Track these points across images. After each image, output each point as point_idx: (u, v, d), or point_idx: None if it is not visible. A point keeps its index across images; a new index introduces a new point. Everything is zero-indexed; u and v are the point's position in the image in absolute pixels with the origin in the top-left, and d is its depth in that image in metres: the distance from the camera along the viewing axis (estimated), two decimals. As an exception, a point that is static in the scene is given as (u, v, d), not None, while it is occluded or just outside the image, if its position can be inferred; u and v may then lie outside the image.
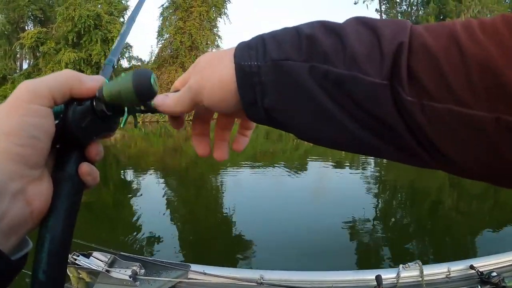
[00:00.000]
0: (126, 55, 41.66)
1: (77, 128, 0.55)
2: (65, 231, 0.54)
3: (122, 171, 15.54)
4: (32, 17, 39.36)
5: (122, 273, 3.85)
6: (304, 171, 15.52)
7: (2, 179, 0.46)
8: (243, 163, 16.95)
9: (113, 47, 0.78)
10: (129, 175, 14.87)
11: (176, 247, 7.49)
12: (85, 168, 0.56)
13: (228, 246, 7.55)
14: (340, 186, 12.56)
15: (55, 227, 0.53)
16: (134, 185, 13.06)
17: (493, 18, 0.41)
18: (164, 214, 9.80)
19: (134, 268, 3.91)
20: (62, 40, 34.23)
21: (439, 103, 0.40)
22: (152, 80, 0.54)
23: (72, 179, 0.56)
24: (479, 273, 3.94)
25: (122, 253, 4.13)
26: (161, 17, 42.20)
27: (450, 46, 0.41)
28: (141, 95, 0.54)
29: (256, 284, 3.92)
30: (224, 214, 9.65)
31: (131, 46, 41.08)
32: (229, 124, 0.66)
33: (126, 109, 0.59)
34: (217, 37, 42.09)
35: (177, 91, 0.60)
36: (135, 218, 9.19)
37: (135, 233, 8.00)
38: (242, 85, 0.51)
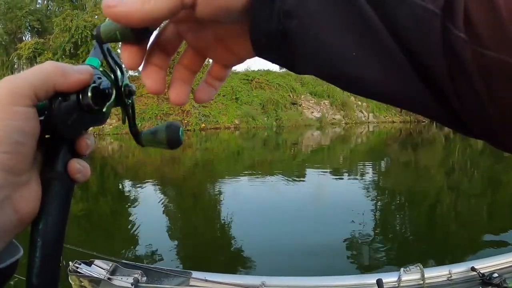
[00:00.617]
0: (123, 65, 41.63)
1: (63, 125, 0.52)
2: (57, 233, 0.52)
3: (120, 182, 15.51)
4: (29, 27, 39.33)
5: (124, 281, 3.85)
6: (303, 179, 15.50)
7: None
8: (241, 172, 16.96)
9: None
10: (127, 185, 14.83)
11: (175, 255, 7.48)
12: (74, 165, 0.53)
13: (228, 254, 7.55)
14: (339, 192, 12.58)
15: (46, 230, 0.51)
16: (133, 195, 13.02)
17: None
18: (163, 223, 9.78)
19: (136, 275, 3.91)
20: (59, 50, 34.15)
21: (492, 51, 0.34)
22: (181, 132, 0.57)
23: (61, 178, 0.53)
24: (481, 275, 3.95)
25: (123, 261, 4.13)
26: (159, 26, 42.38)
27: None
28: (171, 144, 0.57)
29: (257, 290, 3.92)
30: (223, 223, 9.64)
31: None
32: (197, 64, 0.53)
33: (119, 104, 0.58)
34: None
35: None
36: (134, 228, 9.16)
37: (134, 243, 8.00)
38: None
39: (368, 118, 44.84)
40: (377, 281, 3.64)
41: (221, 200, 12.28)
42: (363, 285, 4.00)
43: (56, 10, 38.82)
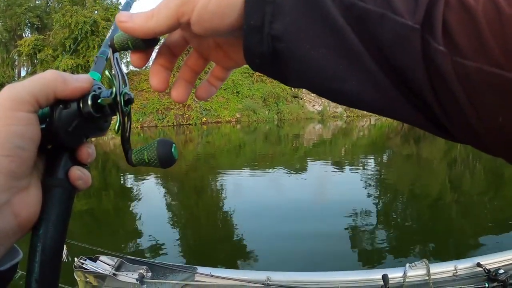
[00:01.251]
0: (124, 60, 41.58)
1: (64, 132, 0.53)
2: (57, 239, 0.53)
3: (122, 177, 15.50)
4: (29, 24, 39.32)
5: (129, 277, 3.85)
6: (305, 172, 15.51)
7: None
8: (243, 165, 16.96)
9: (106, 37, 0.71)
10: (130, 180, 14.83)
11: (179, 251, 7.48)
12: (75, 172, 0.55)
13: (231, 249, 7.54)
14: (342, 186, 12.55)
15: (46, 236, 0.52)
16: (135, 190, 13.03)
17: None
18: (165, 218, 9.78)
19: (141, 271, 3.91)
20: (59, 47, 34.16)
21: (471, 61, 0.36)
22: (173, 149, 0.56)
23: (62, 185, 0.54)
24: (486, 271, 3.93)
25: (128, 256, 4.13)
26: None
27: (487, 6, 0.37)
28: (164, 162, 0.55)
29: (263, 285, 3.92)
30: (226, 217, 9.65)
31: (128, 52, 41.01)
32: (201, 66, 0.57)
33: (117, 111, 0.58)
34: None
35: None
36: (137, 223, 9.18)
37: (137, 238, 8.00)
38: (250, 0, 0.42)
39: (370, 111, 44.79)
40: (382, 276, 3.64)
41: (224, 194, 12.28)
42: (368, 281, 4.00)
43: (56, 6, 38.82)
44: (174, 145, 0.56)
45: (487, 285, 3.75)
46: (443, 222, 8.94)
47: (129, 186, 14.06)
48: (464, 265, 4.11)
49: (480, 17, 0.37)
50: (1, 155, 0.45)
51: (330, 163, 17.47)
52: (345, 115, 42.65)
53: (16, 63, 38.61)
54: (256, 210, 9.87)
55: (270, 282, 3.92)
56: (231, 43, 0.51)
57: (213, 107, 37.97)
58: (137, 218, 9.53)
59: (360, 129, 35.31)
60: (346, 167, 16.73)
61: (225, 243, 7.90)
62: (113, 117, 0.60)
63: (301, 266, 6.22)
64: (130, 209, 10.44)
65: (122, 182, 14.63)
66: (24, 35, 38.93)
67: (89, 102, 0.54)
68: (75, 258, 3.99)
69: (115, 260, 3.97)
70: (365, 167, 16.58)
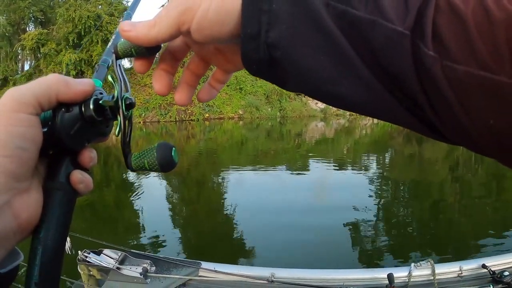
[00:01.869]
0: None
1: (66, 135, 0.54)
2: (58, 243, 0.53)
3: (123, 172, 15.48)
4: (33, 18, 39.35)
5: (133, 271, 3.84)
6: (307, 170, 15.51)
7: None
8: (245, 162, 16.95)
9: (107, 46, 0.72)
10: (131, 175, 14.82)
11: (181, 246, 7.49)
12: (76, 176, 0.55)
13: (233, 245, 7.55)
14: (344, 185, 12.54)
15: (47, 239, 0.52)
16: (138, 185, 13.02)
17: None
18: (168, 213, 9.80)
19: (145, 265, 3.90)
20: (63, 41, 34.17)
21: (460, 65, 0.38)
22: (173, 153, 0.56)
23: (63, 188, 0.55)
24: (491, 272, 3.91)
25: (133, 250, 4.12)
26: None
27: (477, 9, 0.38)
28: (164, 167, 0.55)
29: (267, 282, 3.90)
30: (228, 214, 9.64)
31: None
32: (202, 69, 0.59)
33: (118, 115, 0.57)
34: (219, 38, 42.02)
35: None
36: (139, 218, 9.18)
37: (140, 233, 8.00)
38: (247, 10, 0.44)
39: (373, 110, 44.72)
40: (388, 275, 3.63)
41: (226, 191, 12.29)
42: (373, 279, 3.98)
43: (60, 0, 38.78)
44: (174, 148, 0.56)
45: (491, 287, 3.73)
46: (447, 222, 8.93)
47: (131, 180, 14.05)
48: (469, 266, 4.09)
49: (469, 21, 0.38)
50: (2, 155, 0.46)
51: (332, 161, 17.47)
52: (348, 113, 42.56)
53: (19, 57, 38.66)
54: (259, 207, 9.88)
55: (274, 279, 3.90)
56: (231, 48, 0.53)
57: (216, 103, 37.96)
58: (139, 213, 9.53)
59: (363, 127, 35.28)
60: (349, 165, 16.74)
61: (227, 239, 7.90)
62: (114, 122, 0.59)
63: (304, 263, 6.21)
64: (133, 203, 10.44)
65: (124, 176, 14.61)
66: (27, 29, 38.95)
67: (91, 106, 0.54)
68: (79, 251, 3.98)
69: (119, 254, 3.96)
70: (368, 166, 16.59)
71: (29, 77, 34.64)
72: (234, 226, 8.65)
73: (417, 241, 7.68)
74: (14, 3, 36.97)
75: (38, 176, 0.53)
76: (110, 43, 0.71)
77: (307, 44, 0.43)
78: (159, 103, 35.37)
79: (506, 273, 3.82)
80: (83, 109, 0.54)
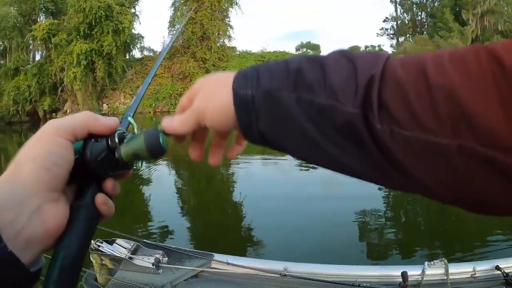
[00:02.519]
0: (138, 45, 41.64)
1: (94, 161, 0.63)
2: (78, 251, 0.59)
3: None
4: (43, 9, 39.35)
5: (145, 261, 3.83)
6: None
7: (22, 198, 0.54)
8: (254, 152, 16.94)
9: (130, 104, 0.83)
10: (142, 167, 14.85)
11: (191, 237, 7.49)
12: (101, 198, 0.64)
13: (243, 237, 7.53)
14: (354, 180, 12.43)
15: (69, 245, 0.58)
16: (147, 176, 13.04)
17: (466, 48, 0.45)
18: (178, 204, 9.84)
19: (157, 256, 3.89)
20: (73, 31, 34.22)
21: (406, 130, 0.44)
22: (161, 139, 0.64)
23: (89, 206, 0.62)
24: (505, 274, 3.85)
25: (145, 240, 4.11)
26: (173, 7, 42.09)
27: (418, 78, 0.45)
28: (153, 153, 0.64)
29: (279, 275, 3.88)
30: (237, 205, 9.63)
31: (142, 37, 40.85)
32: (227, 134, 0.71)
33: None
34: (228, 27, 41.86)
35: (182, 110, 0.66)
36: (149, 209, 9.19)
37: (150, 224, 8.01)
38: (239, 110, 0.57)
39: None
40: (402, 273, 3.59)
41: (236, 181, 12.32)
42: (387, 277, 3.93)
43: (71, -10, 38.79)
44: (161, 134, 0.65)
45: (504, 289, 3.69)
46: (456, 218, 8.86)
47: (141, 172, 14.07)
48: (482, 267, 4.03)
49: (410, 89, 0.45)
50: (40, 167, 0.56)
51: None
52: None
53: (30, 47, 38.74)
54: (268, 197, 9.86)
55: (287, 273, 3.87)
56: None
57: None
58: (150, 203, 9.55)
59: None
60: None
61: (237, 230, 7.89)
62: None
63: (314, 256, 6.19)
64: (144, 194, 10.46)
65: (134, 166, 14.64)
66: (38, 19, 39.01)
67: (116, 139, 0.64)
68: (92, 240, 3.98)
69: (132, 244, 3.96)
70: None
71: (40, 67, 34.86)
72: (244, 217, 8.64)
73: (427, 238, 7.63)
74: (25, -6, 37.02)
75: (66, 196, 0.61)
76: (131, 103, 0.84)
77: (286, 134, 0.56)
78: (169, 93, 35.49)
79: (520, 275, 3.77)
80: (109, 141, 0.64)
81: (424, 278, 3.90)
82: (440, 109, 0.42)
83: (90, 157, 0.63)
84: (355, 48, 57.57)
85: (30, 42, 37.32)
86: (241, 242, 7.23)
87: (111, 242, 3.93)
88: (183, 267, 3.91)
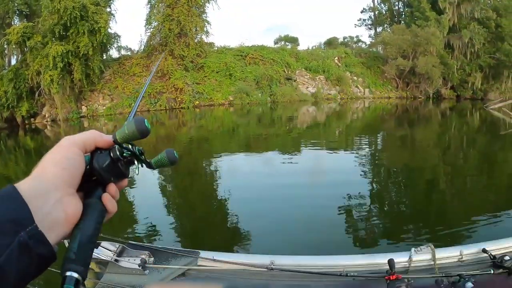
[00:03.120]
0: (115, 45, 41.21)
1: (100, 167, 0.82)
2: (93, 232, 0.77)
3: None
4: (17, 12, 38.69)
5: (131, 262, 3.80)
6: (299, 155, 15.51)
7: (48, 189, 0.72)
8: (237, 149, 16.94)
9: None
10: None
11: (177, 236, 7.46)
12: (106, 196, 0.83)
13: (229, 232, 7.53)
14: (338, 169, 12.54)
15: (85, 228, 0.75)
16: (129, 177, 12.94)
17: None
18: (162, 203, 9.80)
19: (143, 256, 3.85)
20: (48, 33, 33.62)
21: None
22: (146, 123, 0.82)
23: (97, 201, 0.81)
24: (492, 257, 3.87)
25: (130, 242, 4.07)
26: (149, 5, 41.72)
27: None
28: (141, 133, 0.82)
29: (266, 269, 3.86)
30: (222, 201, 9.62)
31: (119, 36, 40.43)
32: None
33: (135, 159, 0.89)
34: (206, 23, 41.61)
35: None
36: (133, 210, 9.11)
37: (135, 225, 7.94)
38: None
39: (364, 94, 44.84)
40: (388, 261, 3.59)
41: (219, 178, 12.28)
42: (374, 265, 3.94)
43: (44, -9, 38.22)
44: (146, 120, 0.83)
45: (492, 272, 3.68)
46: (440, 204, 8.94)
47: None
48: (469, 251, 4.04)
49: None
50: (60, 168, 0.75)
51: (325, 146, 17.50)
52: (338, 97, 42.68)
53: (6, 52, 38.12)
54: (253, 193, 9.90)
55: (274, 266, 3.86)
56: None
57: (206, 90, 37.95)
58: (134, 204, 9.46)
59: (354, 111, 35.35)
60: (342, 149, 16.78)
61: (223, 226, 7.90)
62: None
63: (300, 248, 6.21)
64: (127, 195, 10.36)
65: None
66: (12, 23, 38.37)
67: (117, 151, 0.84)
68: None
69: (117, 246, 3.91)
70: (361, 149, 16.64)
71: (16, 71, 34.26)
72: (229, 212, 8.64)
73: (412, 224, 7.68)
74: (-2, -3, 36.39)
75: (79, 195, 0.79)
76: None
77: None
78: (148, 91, 35.16)
79: (507, 257, 3.78)
80: (111, 152, 0.84)
81: (412, 265, 3.91)
82: None
83: (97, 165, 0.82)
84: (334, 39, 57.75)
85: (5, 46, 36.71)
86: (227, 238, 7.23)
87: (96, 245, 3.89)
88: (169, 266, 3.88)
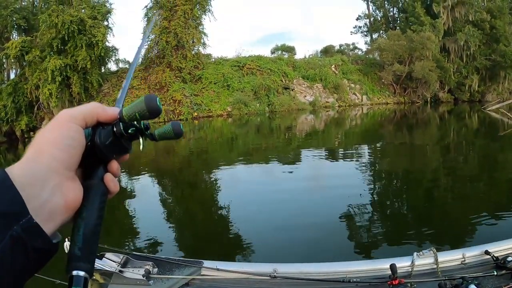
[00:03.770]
0: (113, 58, 41.32)
1: (102, 144, 0.75)
2: (96, 221, 0.71)
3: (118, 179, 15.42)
4: (16, 26, 38.79)
5: (135, 273, 3.80)
6: (299, 164, 15.52)
7: (45, 174, 0.64)
8: (237, 159, 16.93)
9: (117, 97, 0.93)
10: (123, 178, 14.72)
11: (179, 247, 7.44)
12: (108, 176, 0.77)
13: (232, 242, 7.50)
14: (338, 176, 12.50)
15: (88, 217, 0.70)
16: (128, 189, 12.95)
17: None
18: (164, 215, 9.77)
19: (147, 267, 3.86)
20: (47, 47, 33.75)
21: None
22: (158, 101, 0.75)
23: (99, 184, 0.75)
24: (495, 258, 3.87)
25: (134, 253, 4.08)
26: (146, 18, 41.95)
27: None
28: (152, 112, 0.74)
29: (269, 277, 3.87)
30: (223, 211, 9.60)
31: (117, 49, 40.60)
32: None
33: (140, 134, 0.82)
34: (203, 35, 41.82)
35: None
36: (136, 222, 9.11)
37: (138, 236, 7.93)
38: None
39: (362, 100, 44.96)
40: (390, 266, 3.59)
41: (220, 189, 12.25)
42: (376, 270, 3.94)
43: (42, 6, 38.35)
44: (158, 98, 0.75)
45: (495, 273, 3.68)
46: (441, 207, 8.94)
47: (123, 184, 13.96)
48: (472, 253, 4.04)
49: None
50: (58, 149, 0.67)
51: (325, 154, 17.50)
52: (336, 105, 42.77)
53: (4, 66, 38.20)
54: (254, 202, 9.88)
55: (277, 274, 3.87)
56: None
57: (204, 101, 38.01)
58: (136, 216, 9.46)
59: (353, 118, 35.38)
60: (342, 157, 16.78)
61: (225, 236, 7.86)
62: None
63: (302, 256, 6.21)
64: (129, 207, 10.36)
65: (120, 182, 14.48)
66: (11, 37, 38.46)
67: (121, 125, 0.77)
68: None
69: (121, 257, 3.91)
70: (361, 156, 16.64)
71: (15, 85, 34.37)
72: (230, 222, 8.62)
73: (414, 228, 7.68)
74: (-4, 12, 36.49)
75: (79, 175, 0.73)
76: (118, 96, 0.95)
77: None
78: (147, 104, 35.18)
79: (510, 258, 3.77)
80: (114, 127, 0.77)
81: (414, 269, 3.91)
82: None
83: (99, 142, 0.75)
84: (330, 47, 57.98)
85: (4, 60, 36.81)
86: (230, 247, 7.22)
87: (100, 257, 3.88)
88: (173, 276, 3.89)
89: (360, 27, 61.39)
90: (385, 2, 56.64)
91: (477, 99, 45.31)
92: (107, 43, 36.52)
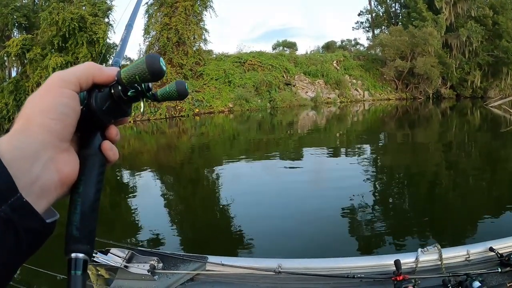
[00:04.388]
0: (114, 54, 41.35)
1: (99, 110, 0.67)
2: (95, 197, 0.64)
3: (117, 172, 15.42)
4: (16, 24, 38.75)
5: (140, 268, 3.82)
6: (301, 160, 15.49)
7: (36, 147, 0.57)
8: (238, 155, 16.92)
9: (117, 50, 0.91)
10: (125, 175, 14.74)
11: (184, 242, 7.45)
12: (107, 144, 0.69)
13: (235, 237, 7.52)
14: (341, 172, 12.51)
15: (85, 193, 0.63)
16: (131, 185, 12.97)
17: None
18: (167, 211, 9.79)
19: (152, 262, 3.88)
20: (48, 45, 33.68)
21: None
22: (161, 62, 0.66)
23: (97, 154, 0.68)
24: (499, 255, 3.87)
25: (139, 248, 4.10)
26: (147, 15, 41.85)
27: None
28: (154, 74, 0.66)
29: (274, 273, 3.89)
30: (227, 206, 9.60)
31: (118, 46, 40.72)
32: None
33: (140, 97, 0.73)
34: (204, 31, 41.73)
35: None
36: (139, 218, 9.12)
37: (142, 232, 7.95)
38: None
39: (364, 96, 44.81)
40: (395, 262, 3.60)
41: (222, 185, 12.25)
42: (380, 266, 3.95)
43: (43, 4, 38.26)
44: (161, 58, 0.67)
45: (499, 270, 3.69)
46: (444, 204, 8.94)
47: (125, 181, 13.98)
48: (476, 250, 4.04)
49: None
50: (50, 118, 0.60)
51: (327, 150, 17.47)
52: (338, 100, 42.69)
53: (6, 64, 38.19)
54: (256, 198, 9.89)
55: (281, 270, 3.89)
56: None
57: (205, 97, 37.92)
58: (140, 212, 9.47)
59: (354, 114, 35.33)
60: (345, 153, 16.77)
61: (227, 232, 7.87)
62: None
63: (307, 251, 6.22)
64: (133, 203, 10.39)
65: (115, 178, 14.46)
66: (12, 35, 38.42)
67: (119, 87, 0.69)
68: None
69: (126, 252, 3.93)
70: (364, 153, 16.62)
71: (16, 83, 34.35)
72: (234, 217, 8.63)
73: (418, 224, 7.69)
74: (-3, 10, 36.44)
75: (74, 145, 0.66)
76: (118, 48, 0.94)
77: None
78: (148, 100, 35.14)
79: (514, 255, 3.79)
80: (112, 90, 0.68)
81: (418, 265, 3.92)
82: None
83: (95, 107, 0.67)
84: (332, 43, 57.89)
85: (5, 58, 36.79)
86: (234, 243, 7.23)
87: (105, 252, 3.90)
88: (178, 271, 3.91)
89: (362, 22, 61.26)
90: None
91: (479, 95, 45.11)
92: (108, 40, 36.48)
